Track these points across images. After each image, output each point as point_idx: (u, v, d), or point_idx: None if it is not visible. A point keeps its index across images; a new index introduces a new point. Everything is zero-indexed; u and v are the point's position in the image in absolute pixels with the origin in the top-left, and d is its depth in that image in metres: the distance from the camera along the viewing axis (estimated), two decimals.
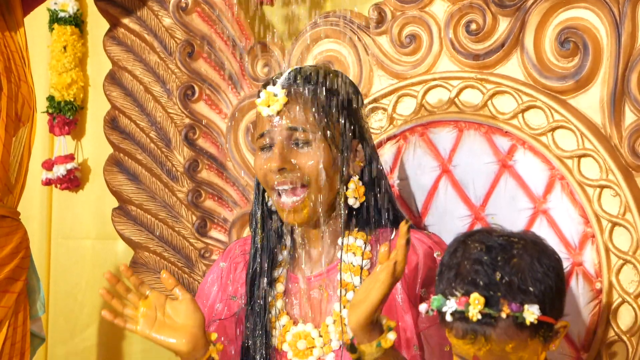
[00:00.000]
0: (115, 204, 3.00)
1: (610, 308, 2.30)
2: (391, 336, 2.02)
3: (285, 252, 2.33)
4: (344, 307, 2.20)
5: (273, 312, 2.28)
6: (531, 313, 1.79)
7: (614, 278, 2.29)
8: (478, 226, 2.45)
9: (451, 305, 1.80)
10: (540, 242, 1.89)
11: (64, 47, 3.29)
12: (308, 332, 2.25)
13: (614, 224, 2.30)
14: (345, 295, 2.22)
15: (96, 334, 3.35)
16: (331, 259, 2.27)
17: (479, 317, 1.78)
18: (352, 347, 2.05)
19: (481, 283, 1.80)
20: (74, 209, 3.38)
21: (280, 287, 2.30)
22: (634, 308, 2.28)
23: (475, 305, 1.78)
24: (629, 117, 2.31)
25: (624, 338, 2.29)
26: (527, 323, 1.78)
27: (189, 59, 2.86)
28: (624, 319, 2.30)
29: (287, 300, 2.30)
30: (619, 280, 2.29)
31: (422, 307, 1.88)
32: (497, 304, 1.78)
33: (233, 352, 2.31)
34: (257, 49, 2.79)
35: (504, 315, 1.78)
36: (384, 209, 2.26)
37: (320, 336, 2.24)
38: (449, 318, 1.81)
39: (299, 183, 2.18)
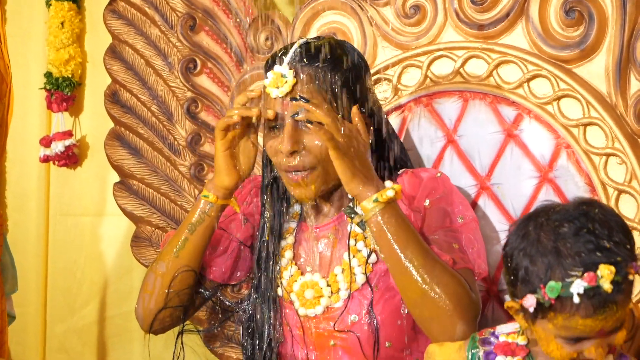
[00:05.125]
0: (114, 180, 3.00)
1: None
2: (390, 192, 2.08)
3: (296, 205, 2.36)
4: (353, 257, 2.24)
5: (282, 262, 2.32)
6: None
7: None
8: (484, 196, 2.46)
9: (580, 285, 1.72)
10: (591, 198, 1.88)
11: (62, 23, 3.28)
12: (316, 282, 2.28)
13: (620, 192, 2.31)
14: (354, 245, 2.25)
15: (95, 311, 3.34)
16: (340, 209, 2.30)
17: (612, 288, 1.72)
18: (350, 210, 2.13)
19: (598, 254, 1.74)
20: (72, 185, 3.37)
21: (290, 239, 2.34)
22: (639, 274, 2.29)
23: (609, 276, 1.72)
24: (634, 85, 2.32)
25: (630, 305, 2.30)
26: None
27: (190, 32, 2.86)
28: None
29: (296, 251, 2.33)
30: None
31: (529, 301, 1.78)
32: (622, 269, 1.74)
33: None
34: (259, 21, 2.78)
35: (631, 277, 1.75)
36: (395, 171, 2.31)
37: (329, 286, 2.27)
38: (576, 300, 1.73)
39: (308, 165, 2.19)
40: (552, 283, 1.75)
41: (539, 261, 1.78)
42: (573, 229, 1.77)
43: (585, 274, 1.72)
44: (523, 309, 1.84)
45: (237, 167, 2.28)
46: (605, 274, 1.72)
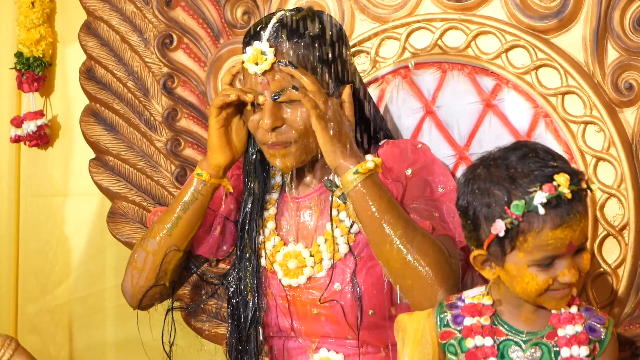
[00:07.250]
0: (85, 160, 2.98)
1: (595, 242, 2.35)
2: (370, 164, 2.10)
3: (277, 176, 2.37)
4: (336, 227, 2.25)
5: (264, 233, 2.33)
6: (591, 182, 1.95)
7: (599, 212, 2.34)
8: (463, 166, 2.48)
9: (541, 196, 1.83)
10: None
11: (32, 3, 3.24)
12: (299, 252, 2.29)
13: (599, 159, 2.35)
14: (337, 215, 2.26)
15: (67, 291, 3.32)
16: (322, 179, 2.31)
17: (571, 194, 1.83)
18: (331, 183, 2.16)
19: (550, 169, 1.85)
20: (43, 166, 3.34)
21: (272, 210, 2.34)
22: (618, 241, 2.33)
23: (565, 183, 1.83)
24: (612, 54, 2.35)
25: (609, 270, 2.34)
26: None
27: (166, 7, 2.84)
28: (609, 252, 2.35)
29: (278, 221, 2.34)
30: (603, 214, 2.34)
31: (498, 225, 1.86)
32: (574, 177, 1.85)
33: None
34: None
35: (584, 185, 1.86)
36: (375, 142, 2.33)
37: (312, 256, 2.28)
38: (542, 211, 1.82)
39: (289, 139, 2.20)
40: (515, 202, 1.84)
41: (496, 190, 1.88)
42: (519, 155, 1.89)
43: (544, 186, 1.83)
44: (490, 254, 1.92)
45: (230, 144, 2.28)
46: (562, 181, 1.84)
